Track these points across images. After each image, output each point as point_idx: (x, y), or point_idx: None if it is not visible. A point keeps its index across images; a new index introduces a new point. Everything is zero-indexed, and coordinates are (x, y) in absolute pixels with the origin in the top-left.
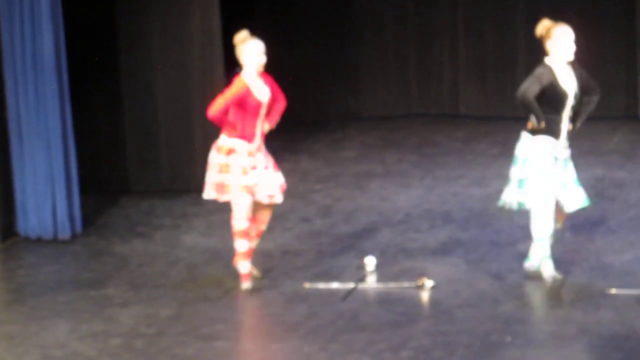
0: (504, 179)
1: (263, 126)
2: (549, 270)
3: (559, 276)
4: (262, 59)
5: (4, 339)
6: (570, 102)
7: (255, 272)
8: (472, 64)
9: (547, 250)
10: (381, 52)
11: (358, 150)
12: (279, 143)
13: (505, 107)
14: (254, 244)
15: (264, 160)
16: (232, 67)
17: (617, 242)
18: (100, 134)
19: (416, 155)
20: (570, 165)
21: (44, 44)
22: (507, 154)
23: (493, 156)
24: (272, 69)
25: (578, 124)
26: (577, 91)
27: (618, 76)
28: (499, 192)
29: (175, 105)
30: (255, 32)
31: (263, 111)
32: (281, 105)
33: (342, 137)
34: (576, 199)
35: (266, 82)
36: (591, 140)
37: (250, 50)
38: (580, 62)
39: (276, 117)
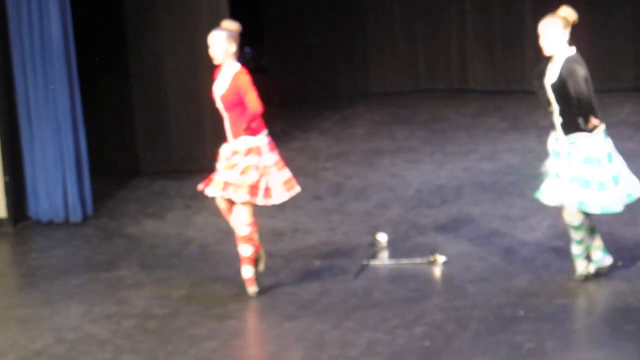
0: (514, 152)
1: (234, 127)
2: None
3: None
4: (211, 51)
5: (18, 323)
6: (551, 96)
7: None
8: (480, 38)
9: (575, 249)
10: (389, 28)
11: (368, 127)
12: (289, 122)
13: (514, 81)
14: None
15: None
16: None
17: (628, 214)
18: (109, 116)
19: (426, 130)
20: (573, 161)
21: (51, 28)
22: (516, 128)
23: (503, 130)
24: (279, 47)
25: (584, 124)
26: (553, 87)
27: (626, 48)
28: (510, 165)
29: (184, 86)
30: (263, 10)
31: (221, 107)
32: (246, 114)
33: (351, 114)
34: (559, 194)
35: (233, 79)
36: (600, 112)
37: None
38: (588, 35)
39: (236, 123)
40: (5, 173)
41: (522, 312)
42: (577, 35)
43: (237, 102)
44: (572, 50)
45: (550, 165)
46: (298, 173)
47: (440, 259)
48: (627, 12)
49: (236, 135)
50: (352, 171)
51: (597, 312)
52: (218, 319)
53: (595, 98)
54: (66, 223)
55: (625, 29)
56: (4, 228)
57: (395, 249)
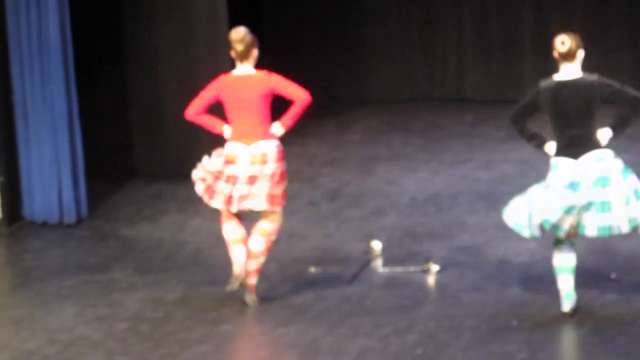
0: (510, 162)
1: None
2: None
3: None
4: None
5: (10, 323)
6: None
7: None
8: (478, 47)
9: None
10: (386, 35)
11: (364, 133)
12: None
13: (511, 90)
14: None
15: None
16: None
17: None
18: (106, 117)
19: (422, 138)
20: None
21: (49, 27)
22: (513, 137)
23: (499, 140)
24: (277, 52)
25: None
26: None
27: (623, 61)
28: (505, 175)
29: (182, 88)
30: (261, 15)
31: None
32: None
33: (347, 121)
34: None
35: None
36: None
37: None
38: (585, 46)
39: None
40: (1, 173)
41: (515, 322)
42: None
43: None
44: (557, 76)
45: None
46: (294, 179)
47: (434, 267)
48: (624, 22)
49: None
50: (348, 178)
51: (589, 324)
52: (211, 323)
53: (563, 125)
54: (60, 224)
55: (623, 40)
56: None
57: (389, 257)
